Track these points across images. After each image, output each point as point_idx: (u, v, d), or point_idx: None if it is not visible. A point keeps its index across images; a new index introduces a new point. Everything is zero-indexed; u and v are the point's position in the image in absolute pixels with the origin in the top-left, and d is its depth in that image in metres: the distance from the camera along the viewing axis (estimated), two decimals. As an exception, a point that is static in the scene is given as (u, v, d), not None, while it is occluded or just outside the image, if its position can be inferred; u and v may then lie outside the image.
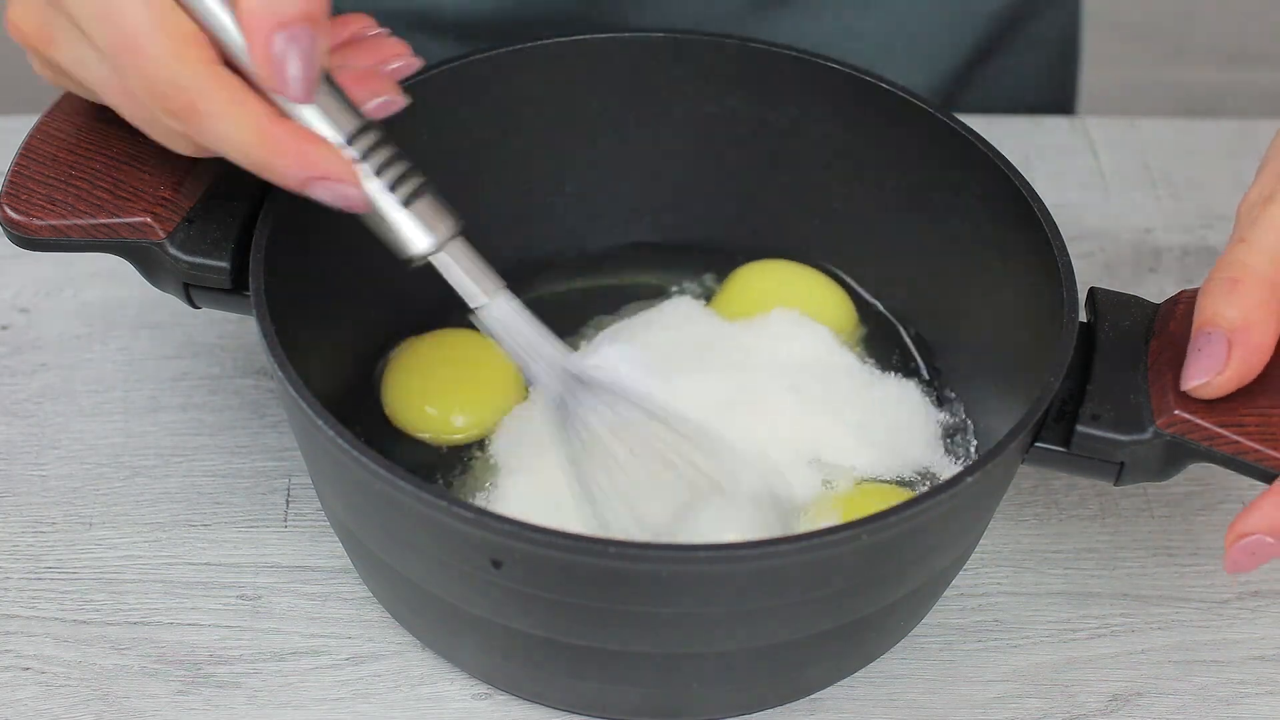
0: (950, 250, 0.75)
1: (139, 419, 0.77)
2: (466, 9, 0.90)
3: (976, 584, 0.73)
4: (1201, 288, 0.64)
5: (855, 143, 0.76)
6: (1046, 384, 0.64)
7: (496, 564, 0.60)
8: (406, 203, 0.62)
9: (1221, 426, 0.63)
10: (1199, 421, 0.63)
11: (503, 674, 0.68)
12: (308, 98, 0.60)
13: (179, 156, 0.66)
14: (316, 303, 0.70)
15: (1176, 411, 0.63)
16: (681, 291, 0.80)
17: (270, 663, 0.69)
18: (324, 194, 0.61)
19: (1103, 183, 0.90)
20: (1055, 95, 1.03)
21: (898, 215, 0.77)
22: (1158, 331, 0.66)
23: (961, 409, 0.75)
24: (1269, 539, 0.61)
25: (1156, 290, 0.84)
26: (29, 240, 0.67)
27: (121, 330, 0.81)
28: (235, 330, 0.80)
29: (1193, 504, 0.76)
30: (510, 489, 0.71)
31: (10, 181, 0.67)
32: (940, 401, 0.76)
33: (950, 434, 0.75)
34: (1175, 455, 0.64)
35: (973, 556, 0.72)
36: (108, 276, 0.82)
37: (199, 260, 0.67)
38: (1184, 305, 0.66)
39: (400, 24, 0.75)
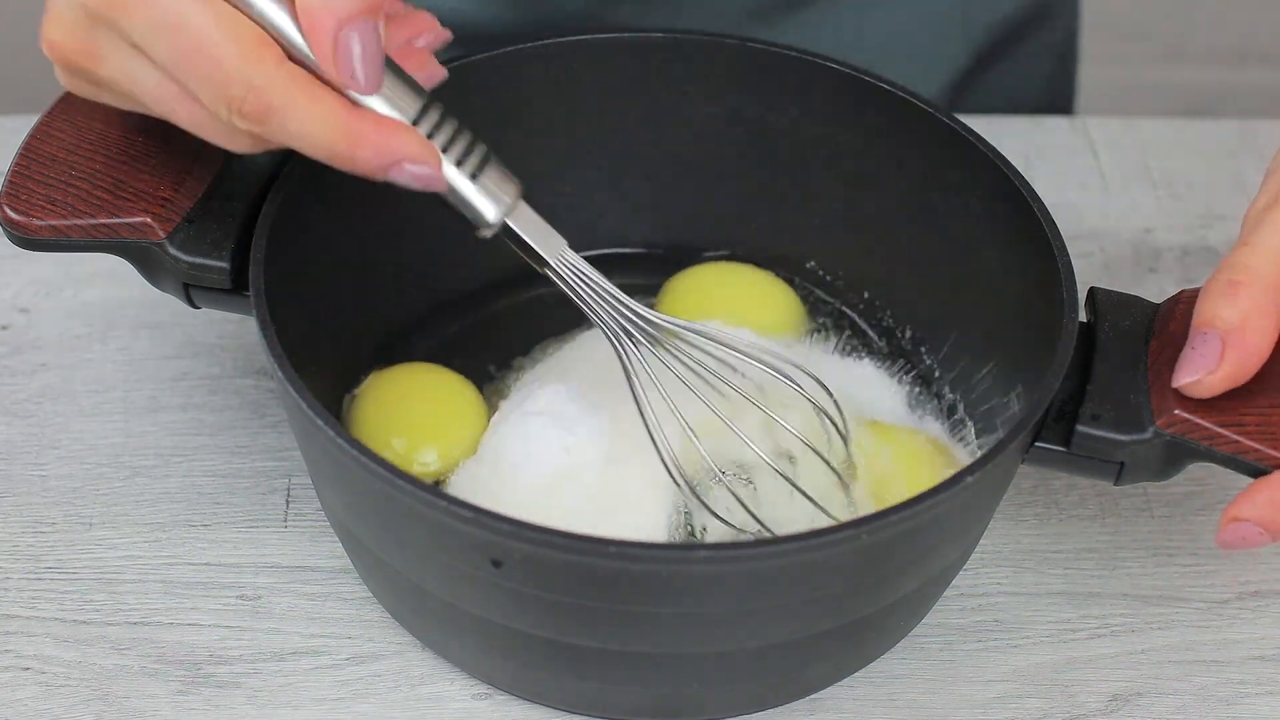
0: (950, 250, 0.75)
1: (139, 419, 0.77)
2: (470, 18, 0.90)
3: (976, 584, 0.73)
4: (1202, 288, 0.64)
5: (855, 143, 0.76)
6: (1046, 384, 0.64)
7: (496, 564, 0.60)
8: (474, 175, 0.62)
9: (1221, 426, 0.63)
10: (1199, 421, 0.63)
11: (503, 674, 0.68)
12: (377, 88, 0.60)
13: (179, 157, 0.66)
14: (316, 303, 0.70)
15: (1176, 411, 0.63)
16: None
17: (270, 663, 0.69)
18: (404, 177, 0.61)
19: (1102, 183, 0.90)
20: (1055, 97, 1.03)
21: (898, 215, 0.77)
22: (1158, 331, 0.66)
23: (961, 409, 0.75)
24: (1258, 529, 0.61)
25: (1156, 290, 0.84)
26: (29, 240, 0.67)
27: (121, 330, 0.81)
28: (235, 330, 0.80)
29: (1193, 504, 0.76)
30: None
31: (10, 181, 0.67)
32: (939, 400, 0.76)
33: (949, 434, 0.75)
34: (1175, 455, 0.64)
35: (973, 556, 0.72)
36: (108, 276, 0.82)
37: (199, 260, 0.67)
38: (1184, 305, 0.66)
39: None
